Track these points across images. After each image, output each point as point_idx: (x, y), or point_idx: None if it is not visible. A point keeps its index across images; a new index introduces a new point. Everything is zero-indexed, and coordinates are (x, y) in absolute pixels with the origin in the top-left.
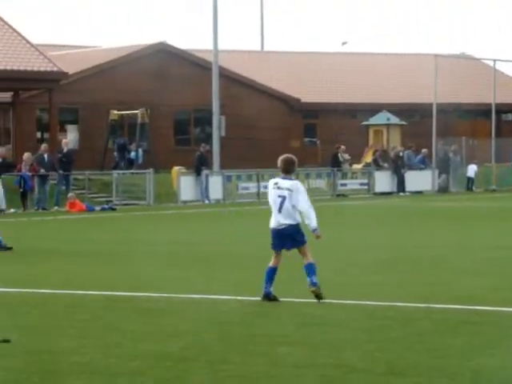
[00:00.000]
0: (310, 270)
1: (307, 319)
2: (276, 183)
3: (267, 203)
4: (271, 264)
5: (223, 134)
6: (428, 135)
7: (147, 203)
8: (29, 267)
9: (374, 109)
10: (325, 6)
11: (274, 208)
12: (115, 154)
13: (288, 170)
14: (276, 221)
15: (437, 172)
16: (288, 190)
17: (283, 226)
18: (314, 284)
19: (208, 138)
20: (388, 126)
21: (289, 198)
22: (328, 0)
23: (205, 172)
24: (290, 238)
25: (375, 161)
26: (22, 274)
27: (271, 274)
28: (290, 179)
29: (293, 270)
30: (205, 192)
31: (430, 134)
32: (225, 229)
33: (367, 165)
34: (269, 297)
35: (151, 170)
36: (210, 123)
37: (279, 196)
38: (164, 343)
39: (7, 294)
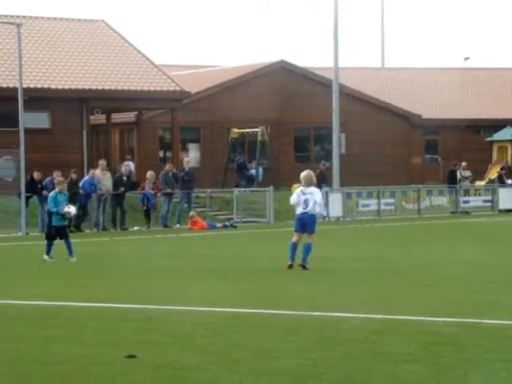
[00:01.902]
0: (307, 248)
1: (435, 338)
2: (302, 190)
3: (387, 221)
4: (294, 240)
5: (343, 151)
6: None
7: (267, 220)
8: (159, 284)
9: (498, 124)
10: (446, 22)
11: (301, 205)
12: (236, 172)
13: (309, 184)
14: (301, 212)
15: None
16: (310, 193)
17: (306, 215)
18: (303, 259)
19: (328, 155)
20: None
21: (311, 197)
22: (450, 15)
23: (325, 189)
24: (308, 224)
25: (500, 177)
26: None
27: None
28: (310, 186)
29: (418, 288)
30: (325, 209)
31: None
32: (342, 245)
33: (491, 181)
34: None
35: (271, 188)
36: (329, 140)
37: (305, 198)
38: (290, 360)
39: (131, 309)
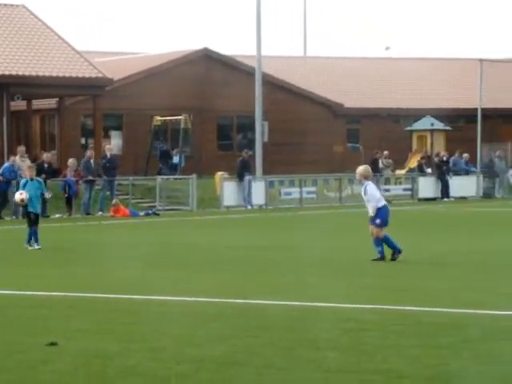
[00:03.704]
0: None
1: (354, 324)
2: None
3: (309, 209)
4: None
5: (266, 139)
6: (472, 140)
7: (190, 208)
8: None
9: (417, 114)
10: (367, 11)
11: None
12: (159, 160)
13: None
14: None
15: (481, 177)
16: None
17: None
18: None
19: (251, 144)
20: (432, 131)
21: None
22: (370, 5)
23: (247, 177)
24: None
25: (420, 166)
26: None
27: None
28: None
29: (337, 276)
30: (247, 197)
31: (475, 139)
32: (268, 235)
33: (411, 170)
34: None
35: (194, 176)
36: (252, 129)
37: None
38: (211, 347)
39: (50, 297)
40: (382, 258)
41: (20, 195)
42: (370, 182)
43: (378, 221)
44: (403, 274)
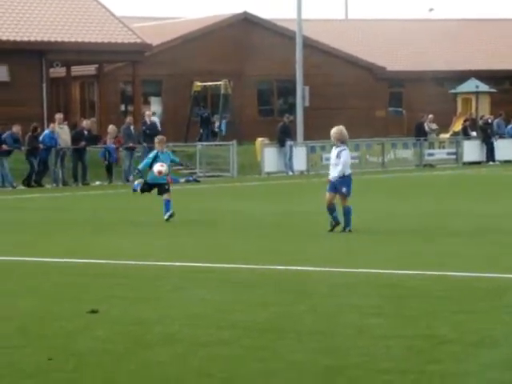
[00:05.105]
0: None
1: (398, 290)
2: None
3: (352, 174)
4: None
5: (307, 104)
6: None
7: (231, 175)
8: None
9: (461, 76)
10: None
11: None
12: (200, 127)
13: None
14: None
15: None
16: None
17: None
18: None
19: (292, 109)
20: (477, 93)
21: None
22: None
23: (289, 143)
24: None
25: (465, 130)
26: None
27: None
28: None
29: (377, 241)
30: (289, 163)
31: None
32: (309, 200)
33: (455, 134)
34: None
35: (234, 142)
36: (293, 94)
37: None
38: (252, 314)
39: (93, 264)
40: (338, 222)
41: (161, 167)
42: (346, 147)
43: (344, 189)
44: (445, 239)
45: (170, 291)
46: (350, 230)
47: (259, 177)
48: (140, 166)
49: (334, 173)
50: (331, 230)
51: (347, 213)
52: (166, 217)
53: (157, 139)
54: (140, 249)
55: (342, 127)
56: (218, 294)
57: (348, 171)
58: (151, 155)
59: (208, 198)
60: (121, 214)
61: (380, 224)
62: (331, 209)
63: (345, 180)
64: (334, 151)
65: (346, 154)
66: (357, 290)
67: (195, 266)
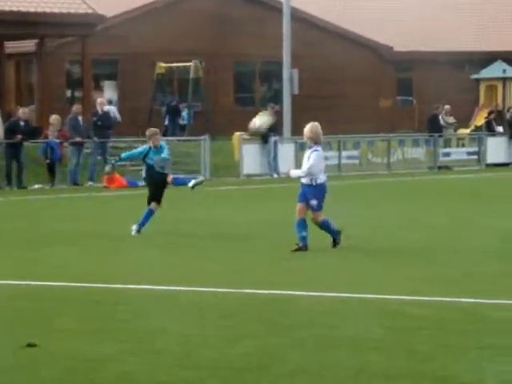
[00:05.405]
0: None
1: (402, 320)
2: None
3: (350, 177)
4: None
5: (296, 91)
6: None
7: (202, 177)
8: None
9: (486, 59)
10: None
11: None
12: (165, 118)
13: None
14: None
15: None
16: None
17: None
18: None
19: (277, 97)
20: (504, 79)
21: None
22: None
23: (273, 139)
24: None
25: (489, 124)
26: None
27: None
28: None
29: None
30: (273, 163)
31: None
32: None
33: (477, 129)
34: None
35: (207, 137)
36: (279, 78)
37: None
38: (223, 349)
39: (34, 286)
40: (305, 246)
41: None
42: (319, 148)
43: (314, 202)
44: (460, 258)
45: (125, 321)
46: (339, 232)
47: (237, 180)
48: (123, 155)
49: (299, 172)
50: (294, 251)
51: (325, 227)
52: (133, 228)
53: (148, 132)
54: (87, 267)
55: (316, 124)
56: (184, 325)
57: (321, 179)
58: (141, 149)
59: (175, 205)
60: (65, 224)
61: (380, 239)
62: (300, 225)
63: (316, 189)
64: (307, 153)
65: (318, 156)
66: (352, 319)
67: (156, 290)
